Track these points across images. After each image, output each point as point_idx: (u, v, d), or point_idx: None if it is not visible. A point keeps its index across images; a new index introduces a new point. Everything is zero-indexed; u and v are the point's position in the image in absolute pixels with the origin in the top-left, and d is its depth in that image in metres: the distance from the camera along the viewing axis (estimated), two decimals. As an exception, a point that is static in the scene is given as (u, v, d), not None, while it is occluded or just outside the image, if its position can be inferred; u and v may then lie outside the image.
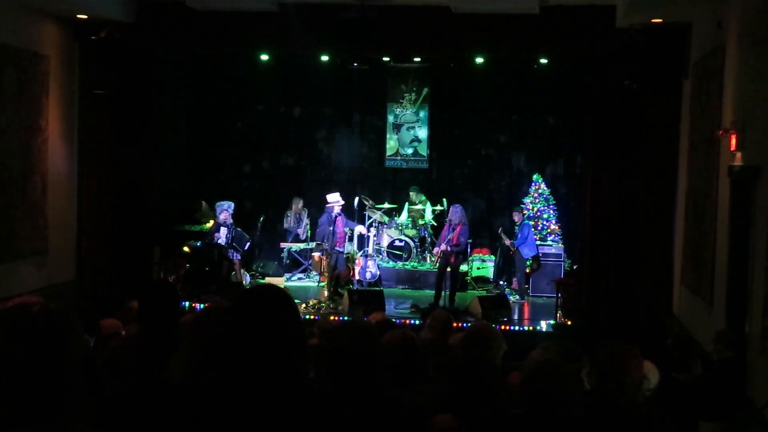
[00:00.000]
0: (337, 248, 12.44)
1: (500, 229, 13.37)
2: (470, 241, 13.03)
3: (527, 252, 12.83)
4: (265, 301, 2.31)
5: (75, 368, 1.93)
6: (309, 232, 13.96)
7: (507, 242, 12.97)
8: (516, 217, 13.17)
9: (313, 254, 13.36)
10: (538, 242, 13.34)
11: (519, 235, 12.89)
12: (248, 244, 12.91)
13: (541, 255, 13.17)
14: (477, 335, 4.62)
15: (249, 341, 2.22)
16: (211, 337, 2.78)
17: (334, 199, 12.64)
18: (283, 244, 14.17)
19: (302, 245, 14.05)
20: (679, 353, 6.45)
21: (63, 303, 4.81)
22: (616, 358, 3.60)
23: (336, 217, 12.50)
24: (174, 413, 2.40)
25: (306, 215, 14.06)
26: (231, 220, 12.73)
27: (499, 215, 14.67)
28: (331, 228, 12.38)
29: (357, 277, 12.86)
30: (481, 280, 13.58)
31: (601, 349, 3.70)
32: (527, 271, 13.19)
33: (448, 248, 11.70)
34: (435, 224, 14.18)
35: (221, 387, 2.22)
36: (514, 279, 13.14)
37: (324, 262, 12.87)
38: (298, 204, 14.06)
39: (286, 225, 14.03)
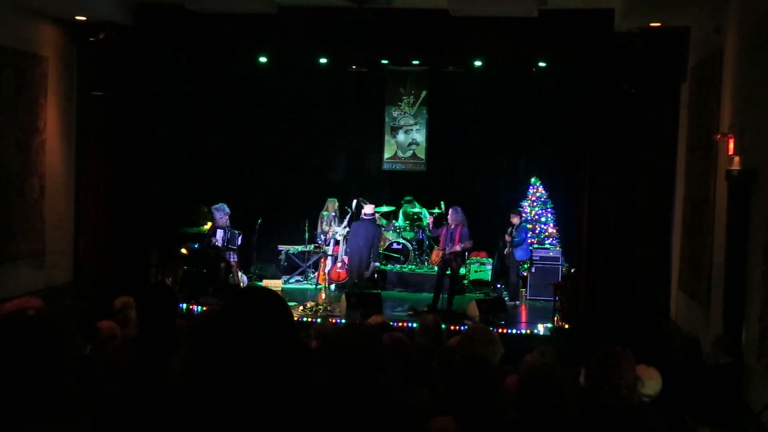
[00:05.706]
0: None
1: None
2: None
3: (521, 255, 12.83)
4: (257, 303, 2.31)
5: (70, 371, 1.93)
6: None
7: (508, 238, 12.92)
8: (514, 219, 13.12)
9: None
10: (535, 245, 13.32)
11: (516, 237, 12.87)
12: (239, 237, 12.85)
13: (538, 258, 13.17)
14: (474, 338, 4.62)
15: (241, 343, 2.22)
16: (209, 340, 2.79)
17: (372, 210, 12.76)
18: (281, 246, 14.16)
19: (300, 247, 14.03)
20: (686, 355, 6.46)
21: (60, 305, 4.79)
22: (608, 361, 3.60)
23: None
24: (172, 416, 2.40)
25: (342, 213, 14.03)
26: (229, 223, 12.72)
27: (497, 219, 14.65)
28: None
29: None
30: (479, 283, 13.60)
31: (595, 353, 3.70)
32: (525, 274, 13.20)
33: (447, 251, 11.71)
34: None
35: (218, 390, 2.21)
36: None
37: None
38: (335, 204, 14.05)
39: (326, 227, 13.90)
